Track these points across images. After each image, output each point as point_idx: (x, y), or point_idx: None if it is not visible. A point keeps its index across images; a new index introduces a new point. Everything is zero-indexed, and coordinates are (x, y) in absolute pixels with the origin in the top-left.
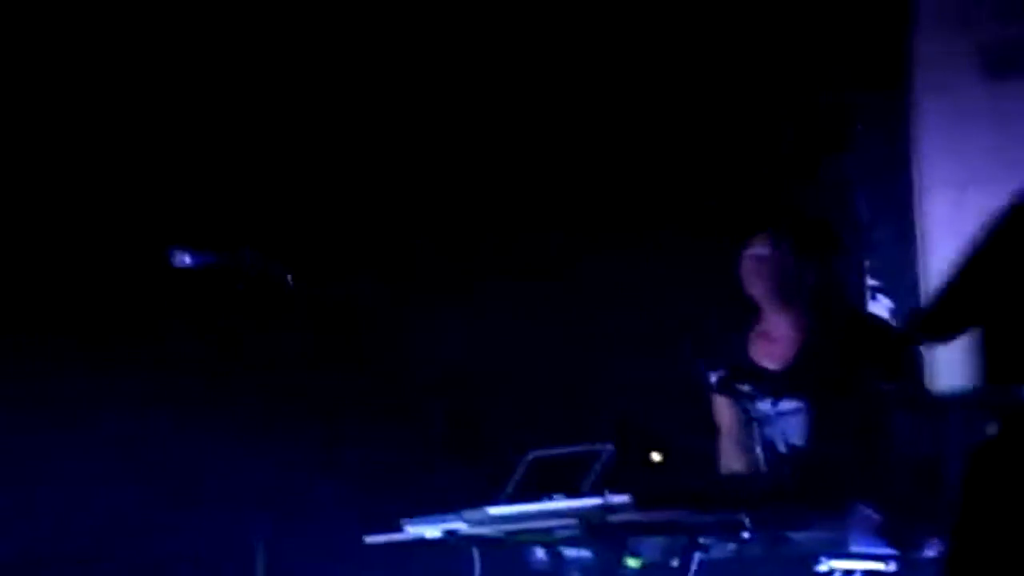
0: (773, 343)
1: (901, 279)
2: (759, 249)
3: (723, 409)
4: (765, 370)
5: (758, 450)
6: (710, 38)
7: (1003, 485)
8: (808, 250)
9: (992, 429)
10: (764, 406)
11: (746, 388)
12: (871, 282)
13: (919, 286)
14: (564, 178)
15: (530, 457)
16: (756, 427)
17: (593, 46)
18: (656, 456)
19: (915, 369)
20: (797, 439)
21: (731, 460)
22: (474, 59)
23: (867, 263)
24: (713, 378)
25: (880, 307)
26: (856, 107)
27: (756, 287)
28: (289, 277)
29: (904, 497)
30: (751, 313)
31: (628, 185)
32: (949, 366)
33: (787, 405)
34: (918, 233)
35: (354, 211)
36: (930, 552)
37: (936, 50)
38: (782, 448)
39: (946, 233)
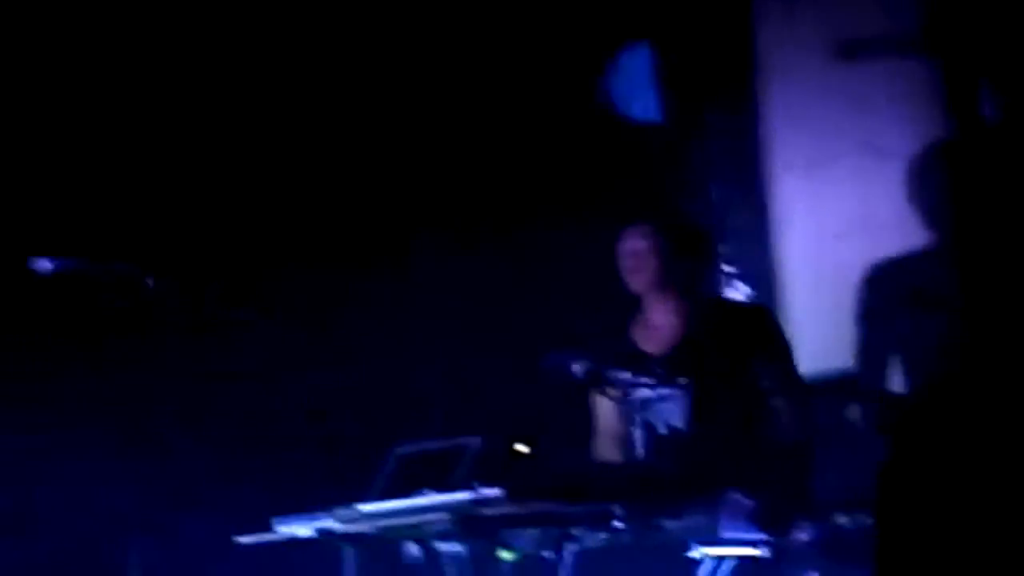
0: (654, 330)
1: (757, 265)
2: (635, 242)
3: (599, 405)
4: (647, 355)
5: (636, 433)
6: (553, 23)
7: (915, 502)
8: (681, 240)
9: (853, 414)
10: (644, 391)
11: (624, 375)
12: (727, 269)
13: (774, 271)
14: (423, 173)
15: (397, 453)
16: (636, 412)
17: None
18: (521, 447)
19: (789, 354)
20: (678, 422)
21: (606, 454)
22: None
23: (722, 250)
24: (577, 369)
25: (736, 294)
26: (703, 96)
27: (635, 279)
28: (150, 281)
29: (776, 481)
30: (630, 305)
31: (489, 179)
32: (816, 349)
33: (667, 390)
34: (772, 218)
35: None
36: (800, 536)
37: (782, 33)
38: (662, 430)
39: (800, 216)
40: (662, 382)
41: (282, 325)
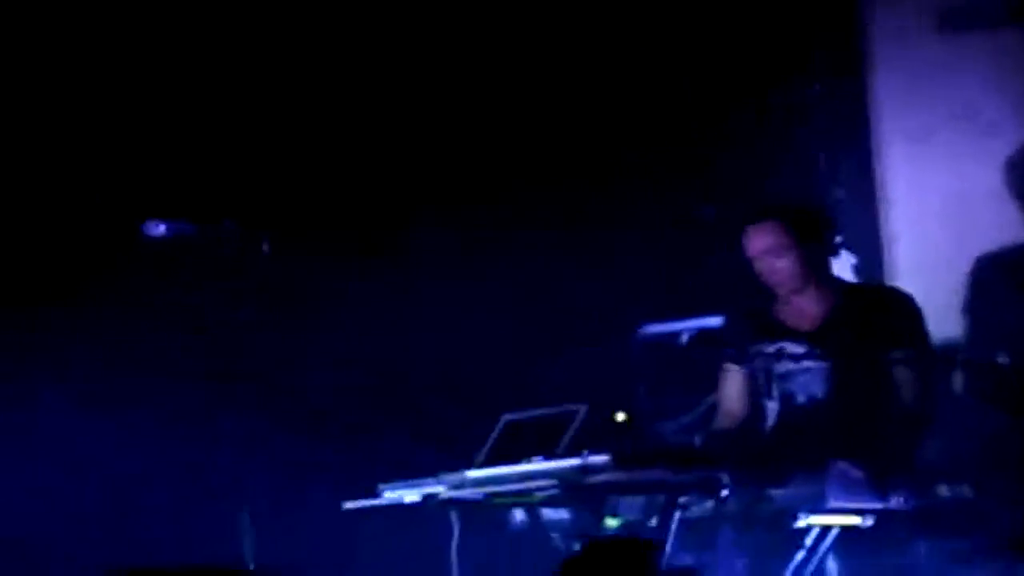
0: (799, 311)
1: (863, 234)
2: (766, 239)
3: (727, 379)
4: (794, 330)
5: (770, 405)
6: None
7: None
8: (811, 230)
9: (956, 384)
10: (787, 363)
11: (772, 347)
12: (836, 236)
13: (881, 240)
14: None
15: (504, 420)
16: (774, 384)
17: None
18: (620, 416)
19: (923, 332)
20: (818, 392)
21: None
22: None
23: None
24: (684, 338)
25: (843, 263)
26: (812, 72)
27: (775, 278)
28: (265, 245)
29: (891, 451)
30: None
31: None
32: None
33: (812, 363)
34: (878, 188)
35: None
36: (901, 504)
37: (891, 6)
38: (801, 399)
39: (905, 186)
40: (809, 355)
41: (394, 292)
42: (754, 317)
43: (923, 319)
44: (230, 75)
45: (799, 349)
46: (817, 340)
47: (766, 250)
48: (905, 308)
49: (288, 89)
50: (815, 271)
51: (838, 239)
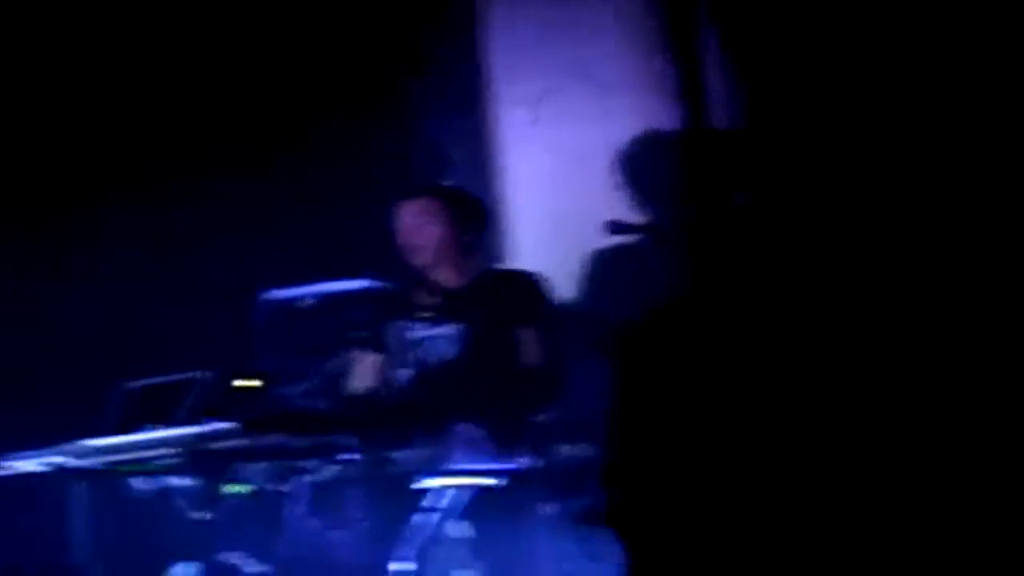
0: (434, 291)
1: (481, 195)
2: (417, 212)
3: (362, 363)
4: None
5: (400, 374)
6: None
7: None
8: (462, 215)
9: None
10: (419, 331)
11: (403, 322)
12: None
13: (496, 206)
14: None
15: (125, 387)
16: (408, 351)
17: None
18: (246, 381)
19: (541, 296)
20: (447, 354)
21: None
22: None
23: (447, 184)
24: (305, 304)
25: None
26: (426, 33)
27: (417, 253)
28: None
29: (513, 409)
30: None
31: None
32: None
33: (441, 329)
34: (493, 152)
35: None
36: (526, 464)
37: None
38: (432, 361)
39: (521, 150)
40: (439, 320)
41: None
42: (387, 301)
43: (546, 295)
44: None
45: (430, 320)
46: (446, 310)
47: (413, 218)
48: (531, 285)
49: None
50: (454, 249)
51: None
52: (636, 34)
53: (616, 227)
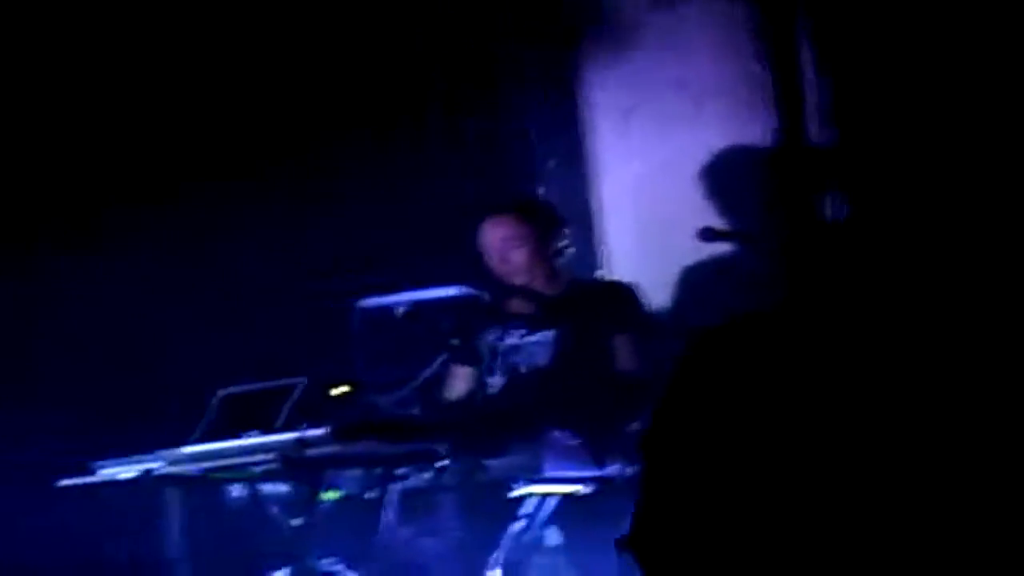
0: (526, 303)
1: (572, 206)
2: (502, 231)
3: (458, 376)
4: (516, 314)
5: (493, 380)
6: None
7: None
8: (544, 225)
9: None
10: (513, 338)
11: (494, 333)
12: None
13: (591, 212)
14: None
15: (220, 395)
16: (500, 357)
17: None
18: (340, 389)
19: (642, 313)
20: (540, 362)
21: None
22: None
23: (541, 190)
24: (400, 311)
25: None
26: (518, 43)
27: (506, 267)
28: None
29: (608, 418)
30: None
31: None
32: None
33: (535, 337)
34: (587, 160)
35: None
36: (620, 472)
37: None
38: (523, 369)
39: (615, 158)
40: (533, 328)
41: (97, 264)
42: (481, 310)
43: (642, 301)
44: None
45: (523, 328)
46: (540, 317)
47: (503, 241)
48: (625, 295)
49: None
50: (545, 264)
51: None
52: (732, 42)
53: (709, 234)
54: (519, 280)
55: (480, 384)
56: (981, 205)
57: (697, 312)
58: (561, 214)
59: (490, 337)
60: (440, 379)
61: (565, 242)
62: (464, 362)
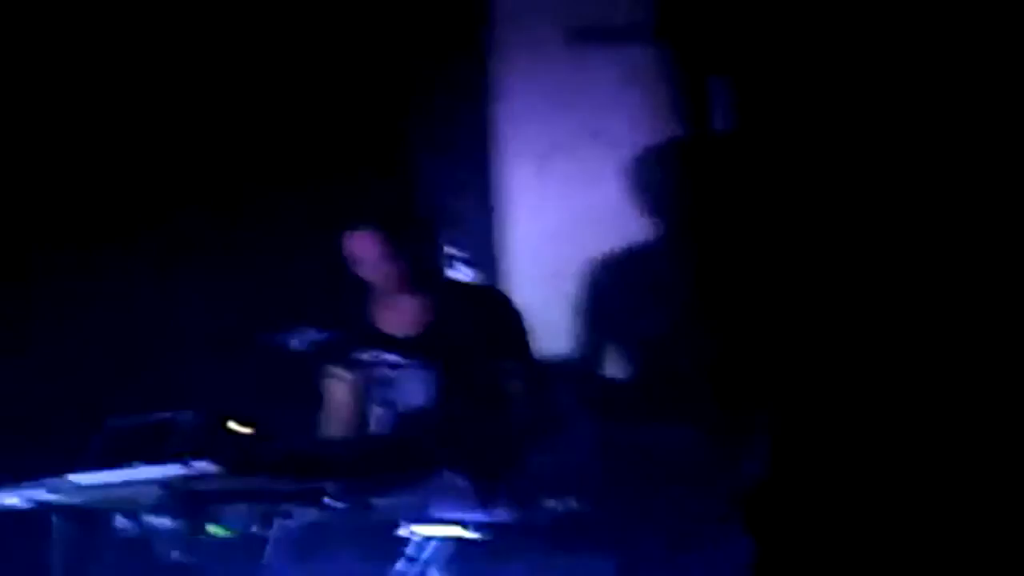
0: (397, 315)
1: (483, 250)
2: (365, 247)
3: (331, 385)
4: (391, 337)
5: (375, 411)
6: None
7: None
8: (411, 237)
9: (567, 398)
10: (385, 370)
11: (367, 354)
12: (452, 251)
13: (499, 257)
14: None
15: (110, 424)
16: (375, 390)
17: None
18: (237, 425)
19: (526, 337)
20: (419, 400)
21: (334, 433)
22: None
23: (447, 232)
24: (296, 344)
25: (461, 276)
26: (429, 78)
27: (374, 281)
28: None
29: (500, 461)
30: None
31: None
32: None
33: (411, 370)
34: (500, 203)
35: None
36: (503, 514)
37: (519, 19)
38: (402, 407)
39: (528, 203)
40: (406, 361)
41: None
42: (353, 322)
43: (524, 321)
44: None
45: (396, 357)
46: (417, 346)
47: (364, 257)
48: (506, 309)
49: None
50: (414, 278)
51: (456, 253)
52: (645, 91)
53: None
54: (386, 294)
55: (365, 415)
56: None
57: (593, 360)
58: (429, 220)
59: (362, 357)
60: (324, 402)
61: (436, 255)
62: (340, 364)
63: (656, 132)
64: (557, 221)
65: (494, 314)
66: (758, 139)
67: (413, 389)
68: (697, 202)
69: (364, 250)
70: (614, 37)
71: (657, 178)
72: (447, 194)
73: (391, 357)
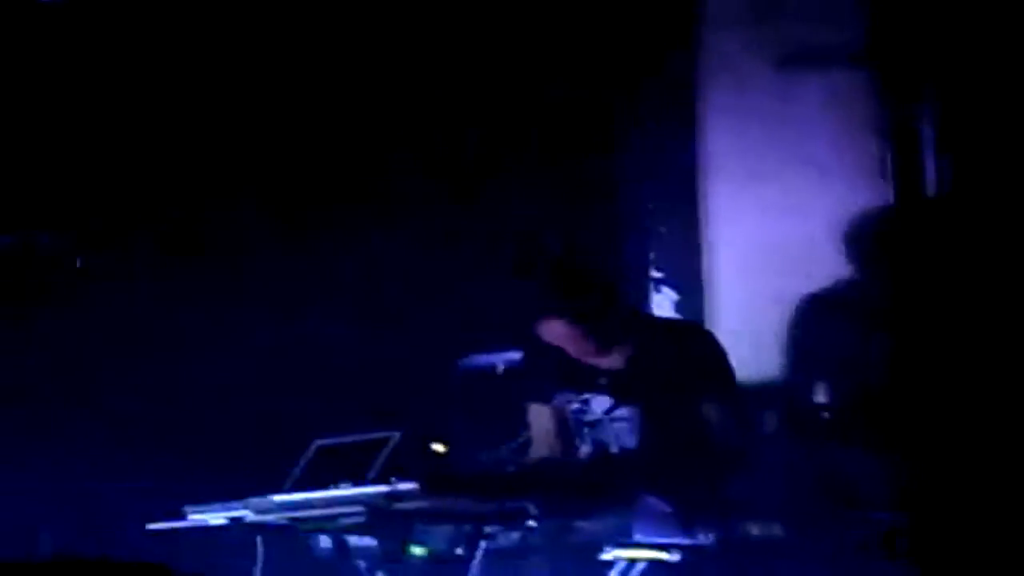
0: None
1: (685, 271)
2: (555, 334)
3: (537, 414)
4: (595, 369)
5: (584, 450)
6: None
7: None
8: (595, 304)
9: (771, 423)
10: (596, 412)
11: (574, 397)
12: (655, 274)
13: (702, 278)
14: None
15: (315, 445)
16: (587, 430)
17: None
18: (438, 447)
19: (729, 370)
20: (630, 442)
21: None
22: None
23: (651, 255)
24: (501, 369)
25: (664, 299)
26: (637, 103)
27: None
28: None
29: (702, 486)
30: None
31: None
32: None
33: (619, 412)
34: (703, 228)
35: None
36: (706, 539)
37: (726, 43)
38: (614, 450)
39: (730, 226)
40: (616, 406)
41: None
42: (557, 358)
43: (724, 353)
44: None
45: (605, 402)
46: (621, 386)
47: (557, 343)
48: (708, 346)
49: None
50: (608, 341)
51: (657, 275)
52: (857, 118)
53: (817, 305)
54: (597, 362)
55: (573, 444)
56: None
57: (796, 384)
58: (603, 281)
59: (573, 406)
60: (531, 429)
61: (611, 309)
62: (540, 399)
63: (863, 156)
64: (761, 247)
65: (694, 349)
66: (968, 165)
67: (622, 432)
68: (902, 233)
69: (555, 337)
70: (824, 62)
71: (864, 206)
72: (653, 218)
73: (599, 402)
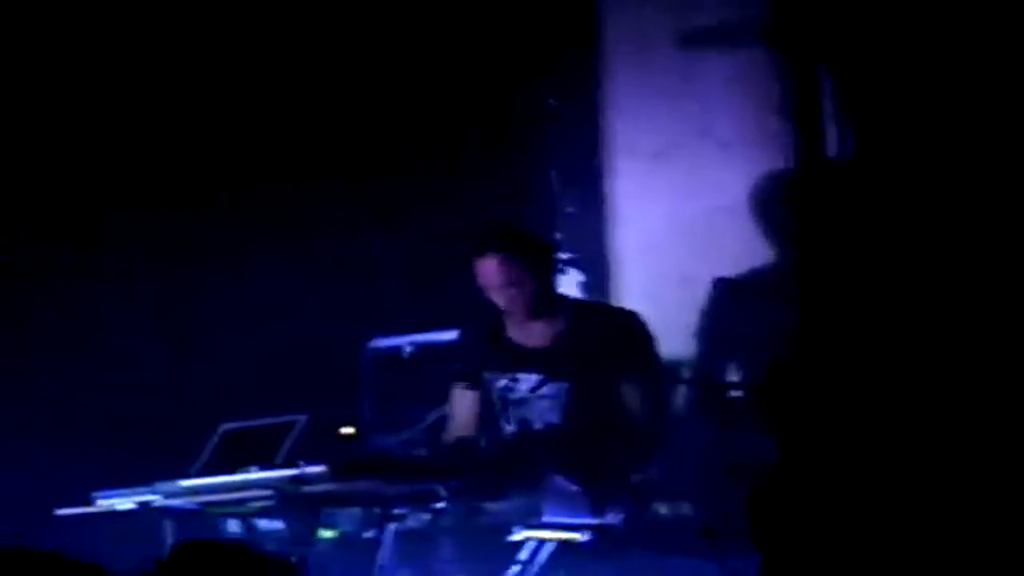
0: (531, 333)
1: (591, 251)
2: (493, 273)
3: (458, 396)
4: (525, 350)
5: (507, 428)
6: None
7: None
8: (538, 260)
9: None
10: (522, 389)
11: (504, 377)
12: (561, 255)
13: (608, 258)
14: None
15: (221, 430)
16: (510, 408)
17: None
18: (347, 429)
19: (653, 353)
20: (554, 417)
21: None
22: None
23: (557, 236)
24: (407, 351)
25: (570, 280)
26: (548, 80)
27: (504, 305)
28: None
29: (612, 467)
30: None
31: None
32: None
33: (545, 389)
34: (609, 205)
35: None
36: (615, 519)
37: (630, 23)
38: (538, 425)
39: (636, 204)
40: (543, 383)
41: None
42: (487, 339)
43: (652, 339)
44: None
45: (532, 379)
46: (549, 364)
47: (496, 283)
48: (635, 330)
49: None
50: (544, 298)
51: (564, 256)
52: (757, 92)
53: (725, 285)
54: (519, 318)
55: (485, 427)
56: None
57: (708, 364)
58: (551, 240)
59: (499, 383)
60: (445, 410)
61: (562, 260)
62: (466, 383)
63: (765, 131)
64: (667, 225)
65: (620, 332)
66: (868, 139)
67: (548, 409)
68: (807, 203)
69: (489, 275)
70: (726, 39)
71: (767, 181)
72: (559, 198)
73: (526, 379)
